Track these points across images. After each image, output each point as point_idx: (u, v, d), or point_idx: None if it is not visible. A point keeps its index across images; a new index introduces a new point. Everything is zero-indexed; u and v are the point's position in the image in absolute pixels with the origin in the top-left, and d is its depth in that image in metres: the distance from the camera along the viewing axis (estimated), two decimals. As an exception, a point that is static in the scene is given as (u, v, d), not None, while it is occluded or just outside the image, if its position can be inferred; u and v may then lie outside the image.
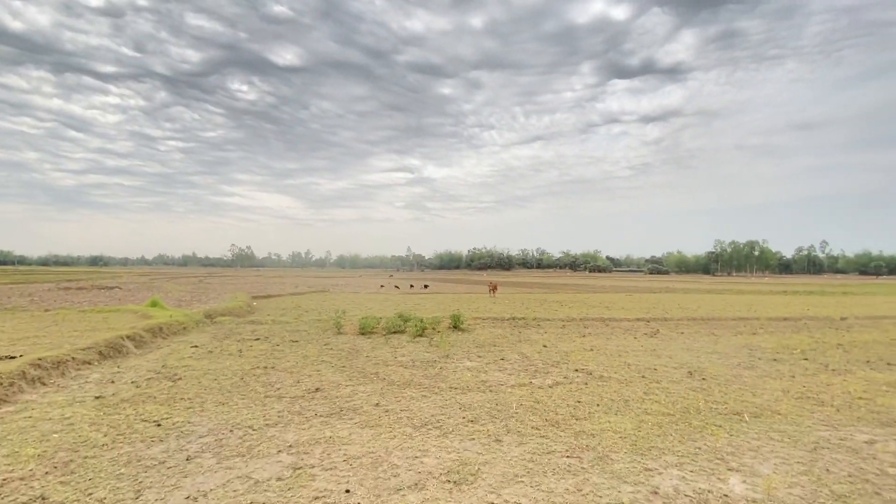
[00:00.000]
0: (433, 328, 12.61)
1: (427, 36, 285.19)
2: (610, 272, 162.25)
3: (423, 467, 4.18)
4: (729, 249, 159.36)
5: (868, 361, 9.27)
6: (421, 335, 11.77)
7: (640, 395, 6.63)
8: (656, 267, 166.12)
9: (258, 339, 10.99)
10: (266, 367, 8.02)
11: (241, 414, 5.57)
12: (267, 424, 5.23)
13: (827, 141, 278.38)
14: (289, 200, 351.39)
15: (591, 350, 10.16)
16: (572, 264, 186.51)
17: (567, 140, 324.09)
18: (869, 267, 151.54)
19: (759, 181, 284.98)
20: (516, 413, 5.76)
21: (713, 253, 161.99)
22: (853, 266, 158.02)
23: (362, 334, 11.85)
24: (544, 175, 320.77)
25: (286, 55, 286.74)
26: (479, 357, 9.26)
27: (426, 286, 42.58)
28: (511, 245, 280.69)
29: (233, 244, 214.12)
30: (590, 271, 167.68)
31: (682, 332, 13.21)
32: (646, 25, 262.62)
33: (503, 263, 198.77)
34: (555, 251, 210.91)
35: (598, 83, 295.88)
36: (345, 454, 4.44)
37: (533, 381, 7.40)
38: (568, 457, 4.44)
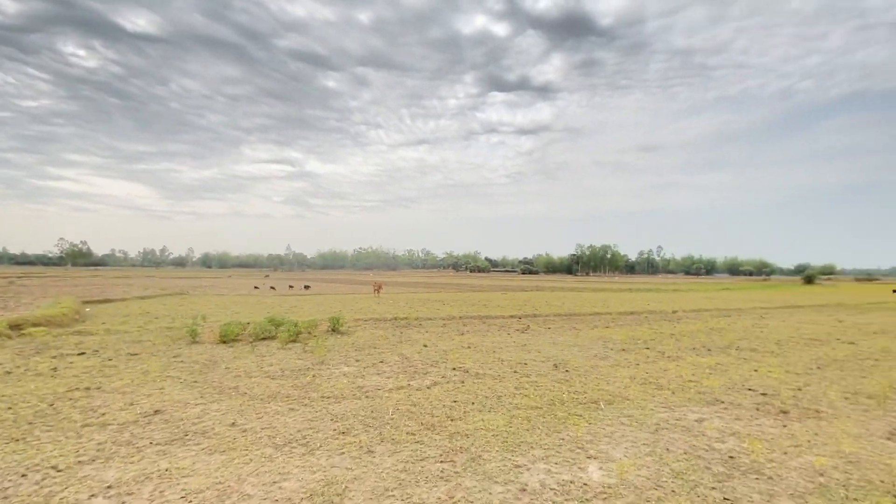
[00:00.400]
0: (309, 332, 11.76)
1: (310, 23, 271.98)
2: (488, 272, 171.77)
3: (282, 493, 3.67)
4: (587, 252, 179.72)
5: (694, 348, 10.93)
6: (294, 340, 10.89)
7: (511, 390, 6.85)
8: (528, 267, 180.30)
9: (83, 353, 9.06)
10: (89, 388, 6.58)
11: (44, 451, 4.40)
12: (80, 462, 4.19)
13: (665, 162, 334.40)
14: (139, 188, 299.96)
15: (469, 348, 10.37)
16: (455, 264, 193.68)
17: (450, 145, 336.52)
18: (692, 268, 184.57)
19: (612, 193, 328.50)
20: (392, 419, 5.49)
21: (575, 255, 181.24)
22: (680, 267, 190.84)
23: (223, 342, 10.54)
24: (429, 178, 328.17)
25: (139, 21, 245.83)
26: (357, 361, 8.81)
27: (307, 287, 40.30)
28: (397, 245, 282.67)
29: (61, 238, 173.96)
30: (470, 271, 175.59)
31: (549, 328, 14.27)
32: (522, 45, 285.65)
33: (389, 263, 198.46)
34: (439, 252, 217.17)
35: (479, 93, 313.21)
36: (183, 490, 3.71)
37: (411, 382, 7.22)
38: (441, 462, 4.30)
